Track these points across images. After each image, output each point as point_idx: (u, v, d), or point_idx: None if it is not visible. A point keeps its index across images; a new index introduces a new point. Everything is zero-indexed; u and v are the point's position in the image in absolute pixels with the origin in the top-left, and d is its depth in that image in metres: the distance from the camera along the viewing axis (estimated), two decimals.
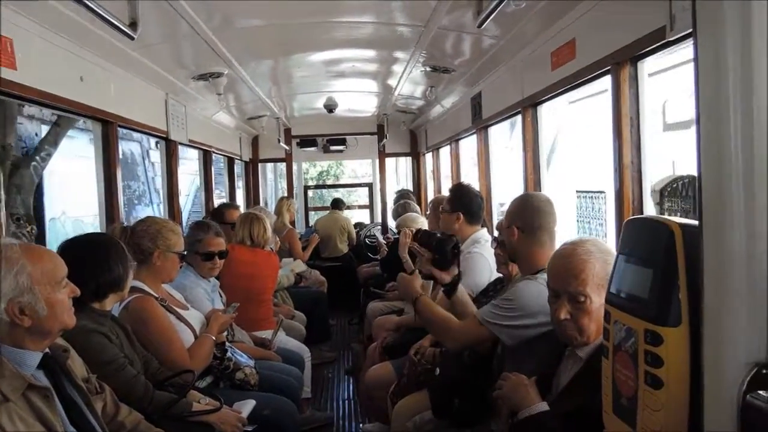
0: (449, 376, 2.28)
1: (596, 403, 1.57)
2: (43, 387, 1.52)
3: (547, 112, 3.22)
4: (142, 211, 11.76)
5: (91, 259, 2.00)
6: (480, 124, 4.20)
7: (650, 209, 2.28)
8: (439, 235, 2.47)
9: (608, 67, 2.24)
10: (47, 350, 1.59)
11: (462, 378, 2.22)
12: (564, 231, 2.38)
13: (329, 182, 17.68)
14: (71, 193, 8.63)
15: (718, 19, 0.88)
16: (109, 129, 3.03)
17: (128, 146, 11.64)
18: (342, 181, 17.62)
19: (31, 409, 1.47)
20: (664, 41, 1.86)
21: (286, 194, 7.81)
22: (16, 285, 1.45)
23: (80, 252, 1.99)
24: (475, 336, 2.16)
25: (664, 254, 0.99)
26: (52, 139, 7.42)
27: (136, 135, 2.81)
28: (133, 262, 2.27)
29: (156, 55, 3.21)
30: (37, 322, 1.49)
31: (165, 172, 4.10)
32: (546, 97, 3.01)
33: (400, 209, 5.58)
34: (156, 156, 12.91)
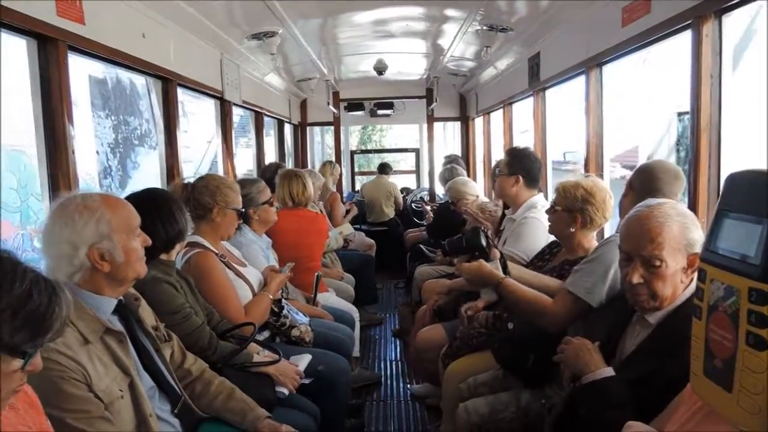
0: (525, 331, 2.23)
1: (665, 370, 1.52)
2: (118, 331, 1.59)
3: None
4: (146, 155, 9.74)
5: (160, 212, 2.05)
6: (538, 86, 4.06)
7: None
8: (464, 236, 2.44)
9: (689, 22, 2.10)
10: (121, 298, 1.66)
11: (538, 334, 2.16)
12: None
13: (371, 146, 17.47)
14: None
15: None
16: (169, 87, 3.07)
17: (126, 72, 8.19)
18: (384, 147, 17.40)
19: (108, 351, 1.55)
20: None
21: (333, 156, 7.84)
22: (96, 231, 1.53)
23: (150, 205, 2.03)
24: (576, 313, 2.08)
25: None
26: None
27: None
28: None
29: (212, 13, 3.20)
30: (115, 268, 1.56)
31: (221, 132, 4.13)
32: (613, 56, 2.86)
33: (447, 174, 5.52)
34: None
